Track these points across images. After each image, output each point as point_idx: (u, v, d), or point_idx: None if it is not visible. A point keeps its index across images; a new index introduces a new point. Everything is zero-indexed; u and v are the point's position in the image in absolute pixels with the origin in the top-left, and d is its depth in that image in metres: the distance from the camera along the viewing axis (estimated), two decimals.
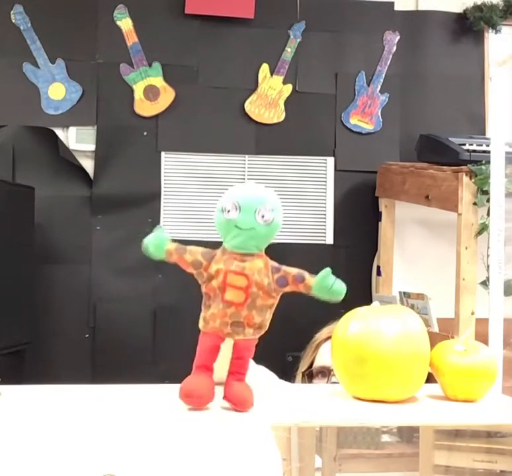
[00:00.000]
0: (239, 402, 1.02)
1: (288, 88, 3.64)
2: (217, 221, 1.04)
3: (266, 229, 1.02)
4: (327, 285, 1.03)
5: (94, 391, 1.17)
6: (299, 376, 2.00)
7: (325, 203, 3.70)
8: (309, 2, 3.67)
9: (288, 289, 1.04)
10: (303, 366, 2.01)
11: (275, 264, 1.04)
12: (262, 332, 1.05)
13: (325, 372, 1.92)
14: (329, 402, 1.13)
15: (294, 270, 1.04)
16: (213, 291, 1.03)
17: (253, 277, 1.02)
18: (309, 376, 1.96)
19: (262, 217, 1.01)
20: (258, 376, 1.07)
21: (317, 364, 1.96)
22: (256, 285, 1.02)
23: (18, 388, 1.14)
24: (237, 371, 1.03)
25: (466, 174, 2.93)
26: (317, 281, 1.04)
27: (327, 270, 1.04)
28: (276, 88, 3.63)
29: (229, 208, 1.02)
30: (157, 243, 1.06)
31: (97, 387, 1.18)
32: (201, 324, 1.04)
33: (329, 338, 1.96)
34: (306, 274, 1.04)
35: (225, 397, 1.03)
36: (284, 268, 1.04)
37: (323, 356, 1.96)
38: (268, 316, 1.05)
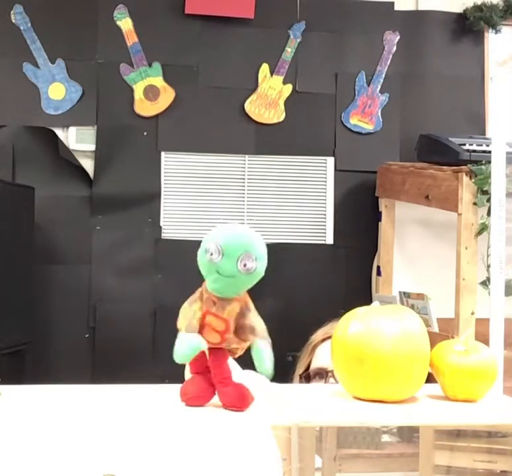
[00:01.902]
0: (236, 403, 1.02)
1: (288, 88, 3.64)
2: (200, 260, 1.00)
3: (246, 277, 0.99)
4: (258, 364, 1.01)
5: (94, 391, 1.17)
6: (296, 379, 1.99)
7: (325, 203, 3.70)
8: (309, 2, 3.67)
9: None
10: (300, 369, 2.00)
11: (246, 308, 1.02)
12: (235, 356, 1.05)
13: (323, 374, 1.91)
14: (329, 402, 1.13)
15: (249, 323, 1.01)
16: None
17: (230, 322, 1.01)
18: (307, 378, 1.95)
19: (244, 265, 0.98)
20: (248, 381, 1.06)
21: (314, 366, 1.95)
22: (233, 330, 1.01)
23: (18, 388, 1.14)
24: (221, 378, 1.03)
25: (466, 174, 2.93)
26: (254, 351, 1.01)
27: (260, 352, 1.01)
28: (276, 88, 3.63)
29: (212, 251, 0.98)
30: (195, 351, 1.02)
31: (97, 387, 1.18)
32: None
33: (324, 339, 1.95)
34: (251, 337, 1.01)
35: (224, 406, 1.03)
36: (249, 316, 1.02)
37: (319, 358, 1.95)
38: (240, 352, 1.04)
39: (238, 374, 1.06)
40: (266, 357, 1.00)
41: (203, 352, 1.04)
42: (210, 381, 1.05)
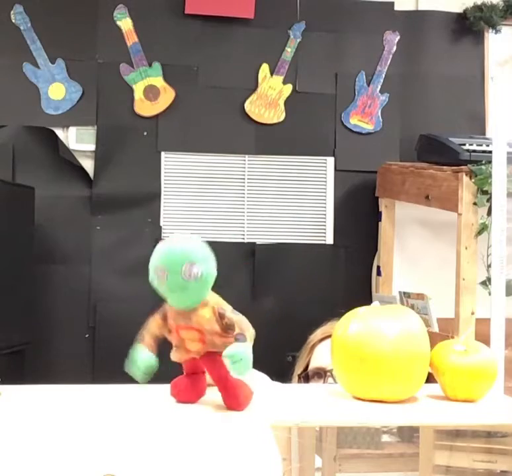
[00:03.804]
0: (233, 406, 1.02)
1: (288, 88, 3.64)
2: (155, 285, 1.02)
3: (198, 284, 0.99)
4: (231, 359, 0.98)
5: (94, 391, 1.17)
6: (295, 379, 2.00)
7: (325, 203, 3.70)
8: (309, 2, 3.67)
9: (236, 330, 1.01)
10: (298, 369, 2.01)
11: (220, 309, 1.01)
12: None
13: (321, 373, 1.92)
14: (329, 402, 1.13)
15: (234, 318, 1.01)
16: (172, 341, 1.04)
17: (203, 328, 1.01)
18: (305, 378, 1.95)
19: (190, 275, 0.98)
20: (251, 379, 1.06)
21: (312, 366, 1.96)
22: (209, 332, 1.01)
23: (18, 388, 1.14)
24: (218, 382, 1.03)
25: (466, 174, 2.93)
26: (228, 350, 0.98)
27: (237, 351, 0.98)
28: (276, 88, 3.63)
29: (158, 274, 1.00)
30: (148, 369, 1.05)
31: (97, 387, 1.18)
32: (171, 355, 1.05)
33: (323, 339, 1.96)
34: (237, 333, 1.00)
35: (227, 407, 1.04)
36: (227, 314, 1.01)
37: (318, 358, 1.96)
38: None
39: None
40: (235, 360, 0.97)
41: (192, 365, 1.04)
42: (201, 377, 1.05)
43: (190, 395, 1.06)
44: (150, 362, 1.05)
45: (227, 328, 1.01)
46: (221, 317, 1.01)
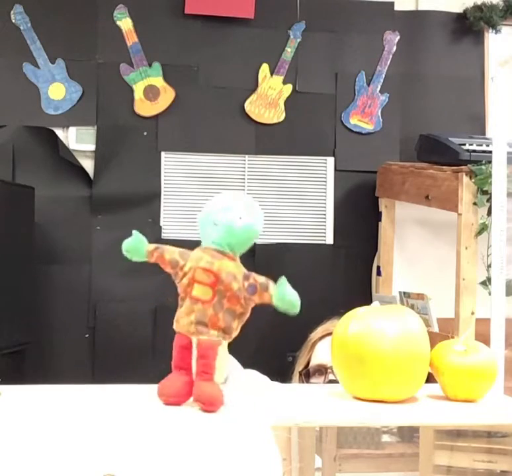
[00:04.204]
0: (207, 402, 1.02)
1: (288, 88, 3.64)
2: (199, 221, 1.06)
3: (242, 230, 1.03)
4: (283, 294, 1.02)
5: (94, 391, 1.17)
6: (296, 376, 2.00)
7: (325, 203, 3.70)
8: (309, 2, 3.67)
9: (256, 298, 1.02)
10: (299, 366, 2.02)
11: (246, 271, 1.04)
12: (228, 338, 1.04)
13: (322, 370, 1.93)
14: (329, 402, 1.13)
15: (261, 278, 1.03)
16: (184, 288, 1.05)
17: (220, 275, 1.02)
18: (306, 375, 1.96)
19: (240, 218, 1.02)
20: (250, 379, 1.06)
21: (313, 363, 1.97)
22: (223, 285, 1.02)
23: (18, 388, 1.14)
24: (202, 371, 1.03)
25: (466, 174, 2.93)
26: (277, 290, 1.02)
27: (283, 279, 1.02)
28: (276, 88, 3.63)
29: (212, 208, 1.05)
30: (137, 245, 1.14)
31: (97, 387, 1.18)
32: (174, 324, 1.05)
33: (323, 336, 1.97)
34: (271, 283, 1.02)
35: (194, 400, 1.03)
36: (253, 275, 1.03)
37: (319, 355, 1.97)
38: (236, 325, 1.04)
39: (240, 373, 1.06)
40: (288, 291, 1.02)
41: (184, 345, 1.04)
42: (187, 378, 1.05)
43: (178, 398, 1.05)
44: (140, 243, 1.15)
45: (246, 289, 1.02)
46: (245, 278, 1.02)
